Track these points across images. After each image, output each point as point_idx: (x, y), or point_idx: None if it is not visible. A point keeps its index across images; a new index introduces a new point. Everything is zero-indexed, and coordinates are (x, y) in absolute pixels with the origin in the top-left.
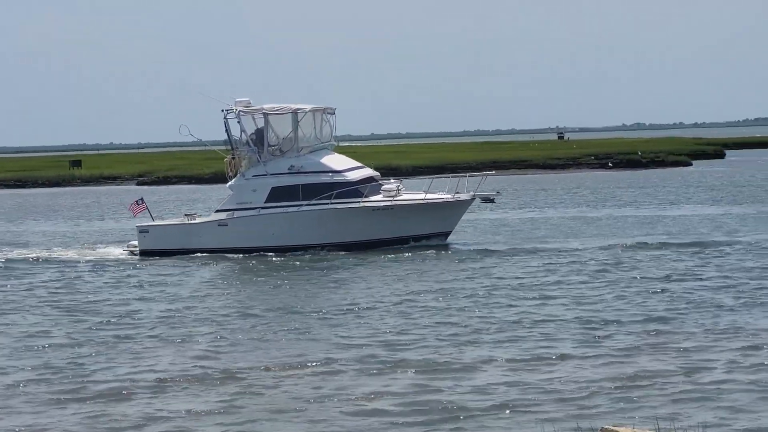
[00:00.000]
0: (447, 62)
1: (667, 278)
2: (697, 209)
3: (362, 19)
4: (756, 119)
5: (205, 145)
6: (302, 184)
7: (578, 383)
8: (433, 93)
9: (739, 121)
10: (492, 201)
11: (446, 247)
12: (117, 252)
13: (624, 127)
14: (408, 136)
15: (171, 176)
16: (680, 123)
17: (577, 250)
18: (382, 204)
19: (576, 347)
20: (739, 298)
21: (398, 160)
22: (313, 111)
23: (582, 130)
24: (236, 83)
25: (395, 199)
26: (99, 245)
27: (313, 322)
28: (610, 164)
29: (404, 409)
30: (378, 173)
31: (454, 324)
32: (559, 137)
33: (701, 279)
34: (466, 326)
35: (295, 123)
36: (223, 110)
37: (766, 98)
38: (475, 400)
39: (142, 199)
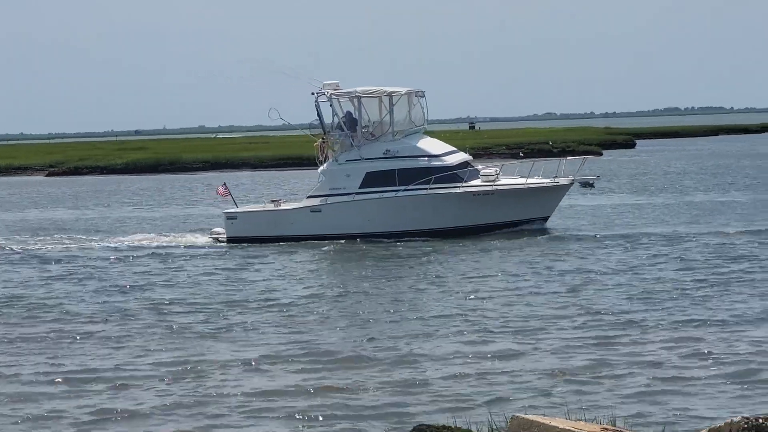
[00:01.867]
0: (357, 52)
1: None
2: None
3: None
4: (665, 109)
5: (294, 129)
6: (398, 169)
7: (501, 374)
8: (343, 83)
9: (649, 111)
10: (591, 185)
11: (545, 231)
12: (201, 239)
13: (535, 117)
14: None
15: (82, 167)
16: (591, 113)
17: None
18: (482, 189)
19: (511, 341)
20: (679, 290)
21: (312, 150)
22: (408, 94)
23: (493, 120)
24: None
25: (495, 183)
26: (172, 233)
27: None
28: (521, 154)
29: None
30: (471, 157)
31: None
32: (470, 127)
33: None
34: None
35: (390, 106)
36: (313, 93)
37: (676, 89)
38: (400, 389)
39: (225, 184)
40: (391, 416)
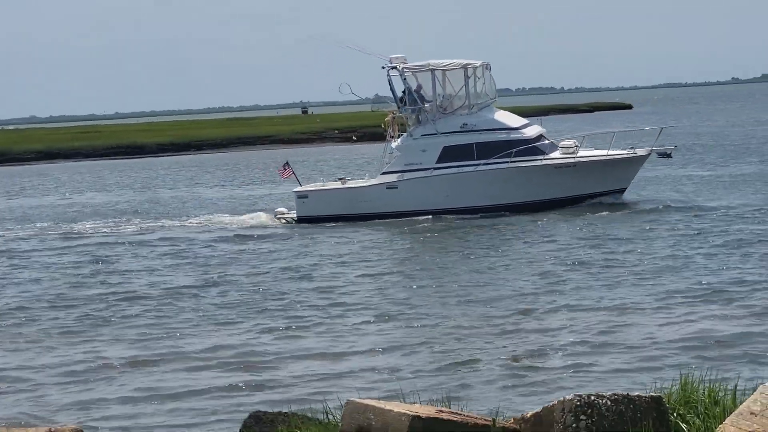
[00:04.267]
0: (189, 38)
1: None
2: None
3: None
4: (497, 90)
5: (364, 103)
6: (476, 143)
7: (343, 358)
8: (179, 71)
9: None
10: (669, 156)
11: (625, 205)
12: (265, 219)
13: (367, 101)
14: (152, 114)
15: None
16: None
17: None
18: (565, 161)
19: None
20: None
21: (144, 138)
22: (482, 66)
23: (326, 104)
24: None
25: (576, 156)
26: (229, 215)
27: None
28: (354, 138)
29: None
30: (545, 130)
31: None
32: (303, 112)
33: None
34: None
35: (466, 79)
36: (384, 66)
37: (507, 70)
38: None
39: (287, 163)
40: (227, 406)
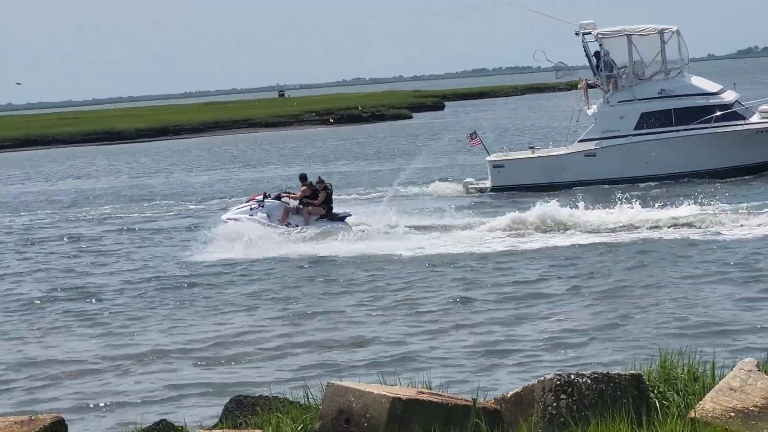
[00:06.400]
0: (167, 34)
1: None
2: None
3: None
4: (473, 70)
5: (560, 69)
6: (675, 108)
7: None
8: (151, 57)
9: (457, 72)
10: None
11: None
12: (454, 190)
13: (344, 83)
14: (129, 99)
15: None
16: (400, 76)
17: None
18: (767, 126)
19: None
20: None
21: (122, 124)
22: (676, 31)
23: (303, 87)
24: None
25: None
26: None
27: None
28: (331, 120)
29: None
30: (739, 95)
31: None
32: (279, 95)
33: None
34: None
35: (662, 44)
36: (578, 33)
37: (481, 50)
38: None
39: (475, 132)
40: (210, 387)
